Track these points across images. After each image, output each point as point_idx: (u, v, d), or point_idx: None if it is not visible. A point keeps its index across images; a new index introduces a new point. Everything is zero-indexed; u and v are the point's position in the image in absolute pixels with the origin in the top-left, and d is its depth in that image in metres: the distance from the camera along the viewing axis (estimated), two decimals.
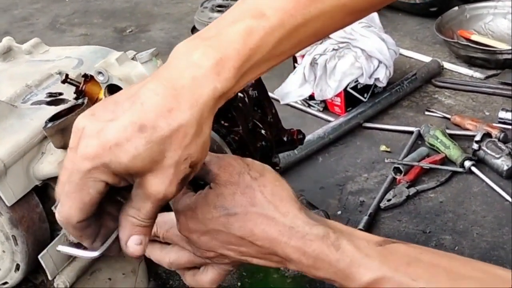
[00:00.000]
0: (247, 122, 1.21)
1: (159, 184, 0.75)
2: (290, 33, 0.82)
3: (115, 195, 0.81)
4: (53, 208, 1.31)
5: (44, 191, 1.33)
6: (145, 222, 0.79)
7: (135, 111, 0.73)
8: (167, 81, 0.75)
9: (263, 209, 0.82)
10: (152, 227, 0.82)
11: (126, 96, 0.76)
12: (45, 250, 1.31)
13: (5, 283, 1.36)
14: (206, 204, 0.84)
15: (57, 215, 0.79)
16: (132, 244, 0.80)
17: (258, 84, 1.28)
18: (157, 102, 0.74)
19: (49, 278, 1.34)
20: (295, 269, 0.84)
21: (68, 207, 0.77)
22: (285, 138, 1.32)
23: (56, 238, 1.34)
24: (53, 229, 1.37)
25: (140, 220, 0.79)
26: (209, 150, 1.12)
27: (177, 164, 0.75)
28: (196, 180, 0.87)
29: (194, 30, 3.45)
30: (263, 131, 1.24)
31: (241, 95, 1.21)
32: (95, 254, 0.83)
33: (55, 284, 1.35)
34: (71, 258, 1.36)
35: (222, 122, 1.16)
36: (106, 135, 0.73)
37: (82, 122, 0.76)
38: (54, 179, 1.29)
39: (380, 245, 0.81)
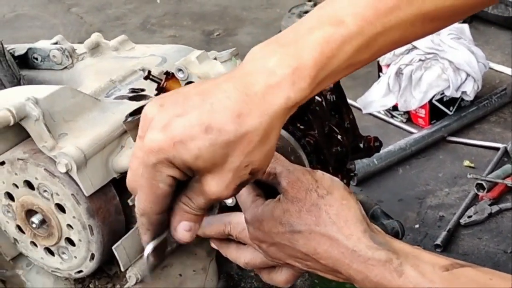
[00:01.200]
0: (323, 126, 1.20)
1: (215, 185, 0.75)
2: (369, 42, 0.79)
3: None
4: (129, 201, 1.34)
5: (121, 183, 1.36)
6: (196, 211, 0.78)
7: (204, 110, 0.72)
8: (240, 85, 0.74)
9: (327, 230, 0.81)
10: (203, 217, 0.81)
11: (197, 91, 0.76)
12: (119, 242, 1.33)
13: (80, 271, 1.40)
14: (273, 218, 0.84)
15: (136, 207, 0.80)
16: (181, 229, 0.79)
17: (337, 89, 1.26)
18: (227, 105, 0.72)
19: (122, 269, 1.36)
20: None
21: (143, 200, 0.78)
22: (361, 145, 1.30)
23: (131, 231, 1.36)
24: (128, 221, 1.39)
25: (191, 208, 0.79)
26: (283, 151, 1.12)
27: (237, 170, 0.74)
28: (268, 184, 0.87)
29: None
30: (339, 136, 1.22)
31: (319, 99, 1.20)
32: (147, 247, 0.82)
33: (127, 276, 1.37)
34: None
35: (298, 125, 1.16)
36: (172, 131, 0.72)
37: (151, 111, 0.76)
38: None
39: (446, 270, 0.78)
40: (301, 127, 1.15)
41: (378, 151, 1.32)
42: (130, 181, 0.80)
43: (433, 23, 0.86)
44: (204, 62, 1.30)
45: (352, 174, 1.27)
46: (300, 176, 0.84)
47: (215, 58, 1.36)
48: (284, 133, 1.13)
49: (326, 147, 1.18)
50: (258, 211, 0.85)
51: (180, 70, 1.29)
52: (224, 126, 0.72)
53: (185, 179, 0.77)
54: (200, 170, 0.74)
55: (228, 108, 0.72)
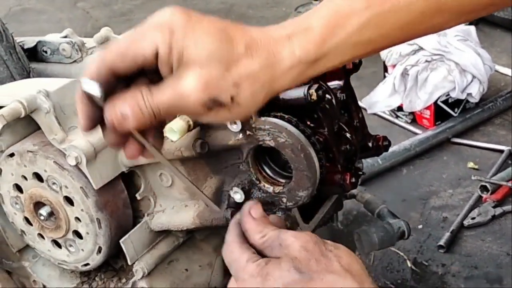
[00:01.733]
0: (333, 124, 1.20)
1: (193, 81, 0.74)
2: (377, 18, 0.81)
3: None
4: (137, 195, 1.34)
5: (130, 178, 1.36)
6: (146, 109, 0.74)
7: (221, 22, 0.76)
8: (256, 29, 0.79)
9: (340, 276, 0.77)
10: (148, 126, 0.76)
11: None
12: (126, 235, 1.34)
13: (87, 264, 1.40)
14: (279, 269, 0.77)
15: (99, 54, 0.76)
16: (118, 111, 0.74)
17: (347, 88, 1.27)
18: (243, 29, 0.77)
19: (129, 263, 1.37)
20: None
21: (109, 50, 0.74)
22: (370, 144, 1.30)
23: (138, 225, 1.37)
24: (136, 216, 1.40)
25: (145, 103, 0.74)
26: (292, 149, 1.12)
27: (223, 78, 0.74)
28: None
29: None
30: (348, 135, 1.23)
31: (329, 97, 1.20)
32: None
33: (133, 270, 1.38)
34: (151, 245, 1.39)
35: (308, 122, 1.16)
36: (190, 13, 0.75)
37: (168, 10, 0.76)
38: (141, 167, 1.32)
39: None
40: (311, 125, 1.16)
41: (387, 150, 1.32)
42: None
43: (442, 15, 0.86)
44: None
45: (360, 173, 1.28)
46: (306, 232, 0.81)
47: None
48: (294, 130, 1.13)
49: (335, 145, 1.18)
50: (258, 267, 0.78)
51: None
52: (237, 37, 0.76)
53: (160, 66, 0.75)
54: (190, 56, 0.74)
55: (243, 31, 0.77)
